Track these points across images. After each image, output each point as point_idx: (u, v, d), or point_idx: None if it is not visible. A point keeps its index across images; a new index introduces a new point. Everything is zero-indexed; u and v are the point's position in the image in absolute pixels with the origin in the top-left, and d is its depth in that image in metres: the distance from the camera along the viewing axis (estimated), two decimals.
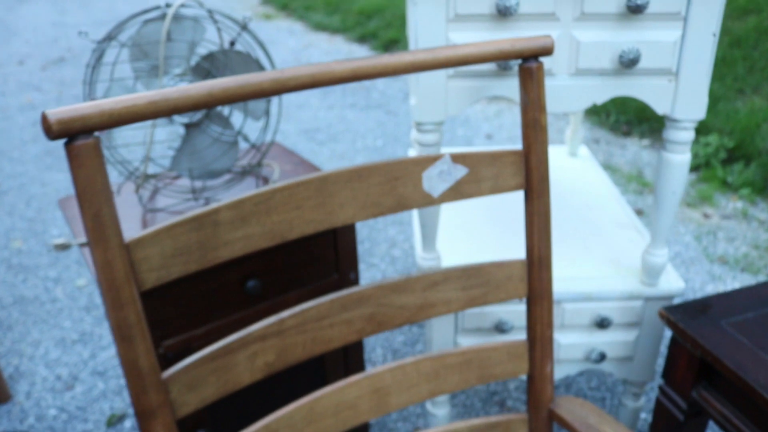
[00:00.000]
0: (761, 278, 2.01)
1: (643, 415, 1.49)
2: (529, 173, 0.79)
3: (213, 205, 0.65)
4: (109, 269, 0.59)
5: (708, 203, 2.42)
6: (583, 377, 1.64)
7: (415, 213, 1.42)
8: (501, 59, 0.74)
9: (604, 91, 0.94)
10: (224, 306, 1.05)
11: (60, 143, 2.94)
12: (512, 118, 3.20)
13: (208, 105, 0.62)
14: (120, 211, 1.10)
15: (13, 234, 2.35)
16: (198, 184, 1.15)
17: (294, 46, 4.56)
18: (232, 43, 1.07)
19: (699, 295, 1.93)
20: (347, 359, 1.22)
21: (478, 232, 1.30)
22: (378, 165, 0.72)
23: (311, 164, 1.22)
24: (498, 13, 0.89)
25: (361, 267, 2.11)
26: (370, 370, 0.82)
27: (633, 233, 1.28)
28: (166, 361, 1.03)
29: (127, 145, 1.08)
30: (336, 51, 4.40)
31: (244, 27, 1.04)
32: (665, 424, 1.08)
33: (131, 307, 0.60)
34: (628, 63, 0.90)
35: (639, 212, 2.34)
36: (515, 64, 0.93)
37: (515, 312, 1.13)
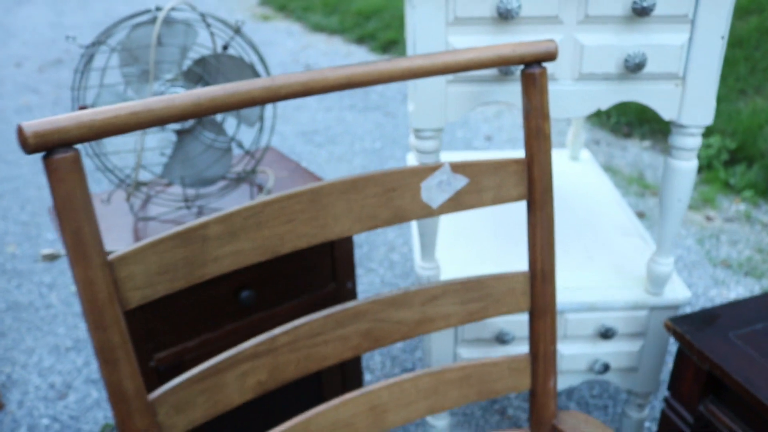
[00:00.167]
0: (765, 282, 1.98)
1: (647, 424, 1.46)
2: (532, 183, 0.76)
3: (200, 220, 0.62)
4: (90, 289, 0.56)
5: (710, 206, 2.39)
6: (585, 385, 1.61)
7: (414, 221, 1.39)
8: (502, 65, 0.71)
9: (608, 97, 0.91)
10: (217, 317, 1.02)
11: None
12: (512, 120, 3.18)
13: (194, 115, 0.59)
14: (110, 220, 1.07)
15: (6, 238, 2.32)
16: (191, 191, 1.12)
17: (292, 47, 4.53)
18: (225, 47, 1.04)
19: (702, 300, 1.90)
20: (344, 372, 1.19)
21: (479, 239, 1.27)
22: (374, 175, 0.70)
23: (307, 171, 1.19)
24: (499, 16, 0.86)
25: (360, 272, 2.08)
26: (366, 387, 0.79)
27: (637, 240, 1.25)
28: (158, 374, 1.00)
29: (117, 152, 1.05)
30: (334, 52, 4.36)
31: (237, 31, 1.01)
32: None
33: (115, 327, 0.58)
34: (633, 67, 0.87)
35: (640, 215, 2.31)
36: (517, 69, 0.90)
37: (517, 322, 1.10)
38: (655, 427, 1.45)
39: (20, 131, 0.50)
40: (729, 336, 0.95)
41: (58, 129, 0.51)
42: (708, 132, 2.69)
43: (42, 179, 2.75)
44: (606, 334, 1.09)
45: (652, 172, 2.63)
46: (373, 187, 0.70)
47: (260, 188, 1.12)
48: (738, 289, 1.97)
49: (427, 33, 0.87)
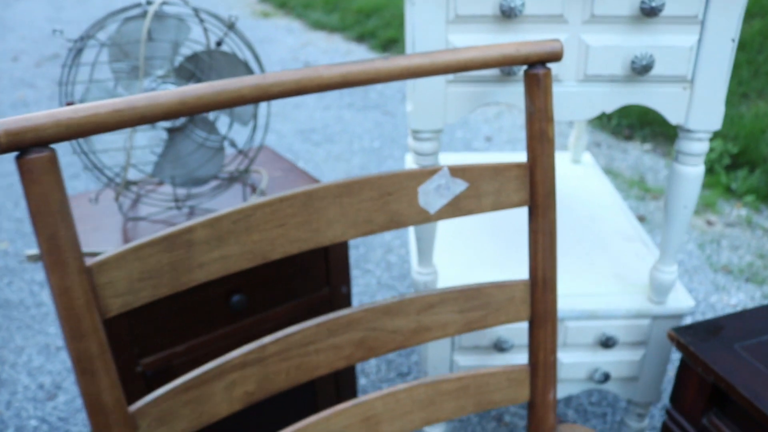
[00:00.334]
0: (766, 289, 1.95)
1: None
2: (534, 188, 0.73)
3: (186, 224, 0.59)
4: (67, 296, 0.53)
5: (711, 210, 2.36)
6: (584, 392, 1.59)
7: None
8: (505, 65, 0.68)
9: (613, 99, 0.88)
10: (207, 321, 0.99)
11: None
12: (512, 120, 3.15)
13: (180, 114, 0.56)
14: (99, 220, 1.04)
15: None
16: (182, 191, 1.09)
17: (292, 44, 4.50)
18: (219, 44, 1.01)
19: (702, 305, 1.87)
20: (339, 380, 1.16)
21: (479, 242, 1.24)
22: (369, 179, 0.66)
23: (302, 171, 1.16)
24: (501, 14, 0.83)
25: (356, 273, 2.05)
26: (360, 397, 0.76)
27: (640, 246, 1.22)
28: (145, 380, 0.97)
29: (106, 150, 1.02)
30: (334, 50, 4.33)
31: (230, 26, 0.98)
32: None
33: (93, 337, 0.54)
34: (640, 69, 0.84)
35: (641, 218, 2.28)
36: (520, 69, 0.87)
37: (516, 329, 1.07)
38: None
39: None
40: (734, 347, 0.92)
41: (32, 127, 0.48)
42: None
43: None
44: (607, 343, 1.07)
45: (653, 175, 2.61)
46: (369, 190, 0.67)
47: (253, 188, 1.09)
48: (739, 295, 1.94)
49: (426, 31, 0.84)
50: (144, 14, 0.95)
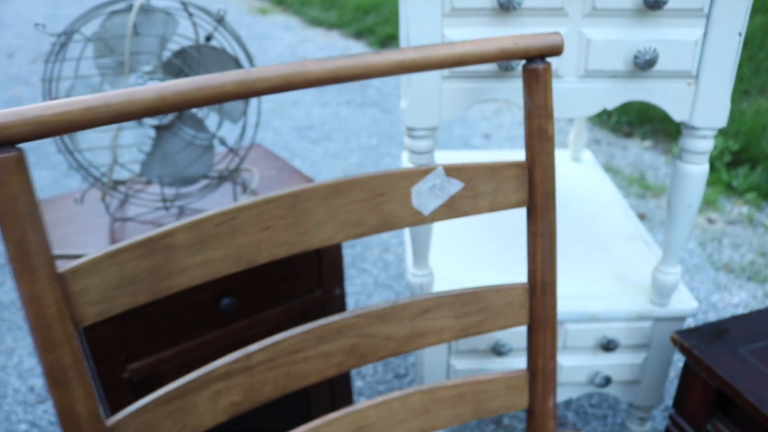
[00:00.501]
0: None
1: None
2: (532, 188, 0.70)
3: (166, 227, 0.56)
4: (37, 304, 0.50)
5: (712, 208, 2.33)
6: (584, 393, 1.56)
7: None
8: (503, 59, 0.65)
9: (615, 96, 0.85)
10: (196, 326, 0.96)
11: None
12: (511, 117, 3.11)
13: (159, 111, 0.53)
14: (85, 221, 1.01)
15: None
16: (171, 191, 1.06)
17: (290, 41, 4.46)
18: (208, 38, 0.97)
19: (704, 304, 1.84)
20: (333, 386, 1.13)
21: (476, 242, 1.21)
22: (360, 179, 0.63)
23: (295, 169, 1.13)
24: (500, 6, 0.80)
25: (352, 273, 2.02)
26: (353, 406, 0.73)
27: (641, 246, 1.19)
28: (132, 386, 0.94)
29: (92, 149, 0.99)
30: (332, 47, 4.30)
31: (219, 20, 0.95)
32: None
33: (65, 347, 0.51)
34: (643, 64, 0.80)
35: (641, 216, 2.26)
36: (518, 64, 0.83)
37: (514, 332, 1.04)
38: None
39: None
40: (739, 351, 0.89)
41: None
42: None
43: (31, 173, 2.68)
44: (608, 346, 1.04)
45: (654, 172, 2.58)
46: (359, 191, 0.64)
47: (244, 187, 1.06)
48: (741, 294, 1.91)
49: (421, 25, 0.81)
50: (130, 8, 0.92)
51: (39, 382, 1.62)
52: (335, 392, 1.15)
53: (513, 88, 0.86)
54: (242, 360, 0.64)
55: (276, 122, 3.13)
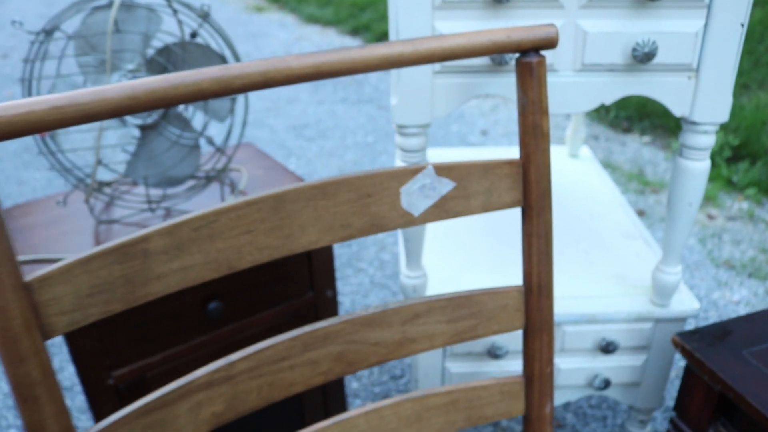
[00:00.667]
0: None
1: None
2: (527, 187, 0.67)
3: (141, 232, 0.53)
4: (2, 316, 0.47)
5: (712, 204, 2.31)
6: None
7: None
8: (495, 52, 0.62)
9: (613, 90, 0.82)
10: (183, 330, 0.93)
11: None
12: (508, 114, 3.09)
13: (130, 110, 0.50)
14: (69, 224, 0.98)
15: None
16: (157, 192, 1.03)
17: (285, 38, 4.43)
18: (194, 35, 0.95)
19: (704, 302, 1.81)
20: (326, 391, 1.10)
21: (471, 242, 1.18)
22: (346, 179, 0.61)
23: (285, 168, 1.10)
24: None
25: (348, 272, 1.99)
26: (342, 414, 0.70)
27: (641, 245, 1.17)
28: (118, 393, 0.91)
29: (75, 149, 0.96)
30: (328, 44, 4.26)
31: (204, 16, 0.92)
32: None
33: (33, 360, 0.49)
34: (642, 57, 0.77)
35: (640, 213, 2.23)
36: (512, 58, 0.81)
37: (511, 335, 1.02)
38: None
39: None
40: (743, 354, 0.87)
41: None
42: None
43: (24, 174, 2.65)
44: (607, 348, 1.01)
45: (653, 168, 2.55)
46: (346, 192, 0.61)
47: (232, 187, 1.03)
48: (742, 292, 1.89)
49: (410, 18, 0.78)
50: (111, 4, 0.89)
51: None
52: (328, 396, 1.12)
53: (507, 83, 0.83)
54: (224, 369, 0.61)
55: (271, 120, 3.10)
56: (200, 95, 0.53)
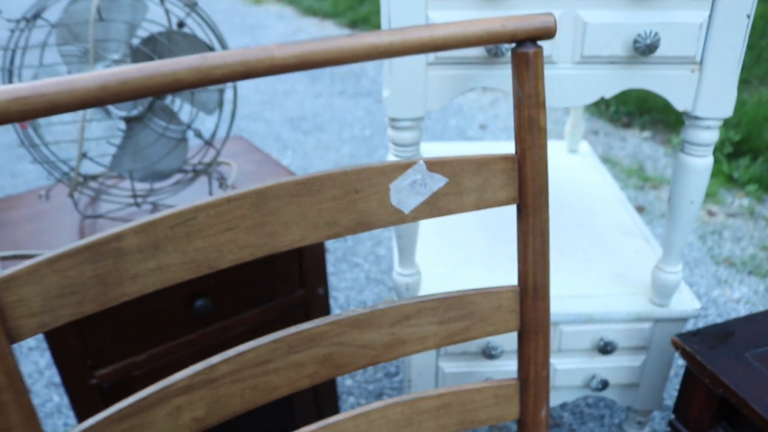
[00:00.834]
0: None
1: None
2: (523, 184, 0.64)
3: (113, 230, 0.50)
4: None
5: (712, 200, 2.28)
6: None
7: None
8: (490, 42, 0.59)
9: (614, 83, 0.79)
10: (169, 328, 0.91)
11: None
12: (508, 108, 3.05)
13: (101, 102, 0.47)
14: (53, 219, 0.96)
15: None
16: (144, 186, 1.00)
17: (283, 30, 4.40)
18: (181, 25, 0.92)
19: (704, 300, 1.79)
20: (318, 392, 1.08)
21: (466, 239, 1.15)
22: (332, 174, 0.58)
23: (277, 162, 1.07)
24: None
25: (343, 267, 1.96)
26: (329, 418, 0.68)
27: (641, 242, 1.14)
28: (101, 393, 0.88)
29: (58, 142, 0.93)
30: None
31: (192, 5, 0.89)
32: None
33: None
34: (644, 49, 0.75)
35: (640, 209, 2.20)
36: (508, 49, 0.78)
37: (507, 334, 0.99)
38: None
39: None
40: (745, 356, 0.84)
41: None
42: None
43: (18, 167, 2.62)
44: (605, 348, 0.98)
45: (653, 164, 2.52)
46: (331, 188, 0.58)
47: (221, 181, 1.01)
48: (742, 289, 1.86)
49: (403, 7, 0.75)
50: None
51: None
52: (319, 395, 1.10)
53: (503, 76, 0.80)
54: (204, 372, 0.58)
55: (268, 113, 3.07)
56: (177, 85, 0.50)
